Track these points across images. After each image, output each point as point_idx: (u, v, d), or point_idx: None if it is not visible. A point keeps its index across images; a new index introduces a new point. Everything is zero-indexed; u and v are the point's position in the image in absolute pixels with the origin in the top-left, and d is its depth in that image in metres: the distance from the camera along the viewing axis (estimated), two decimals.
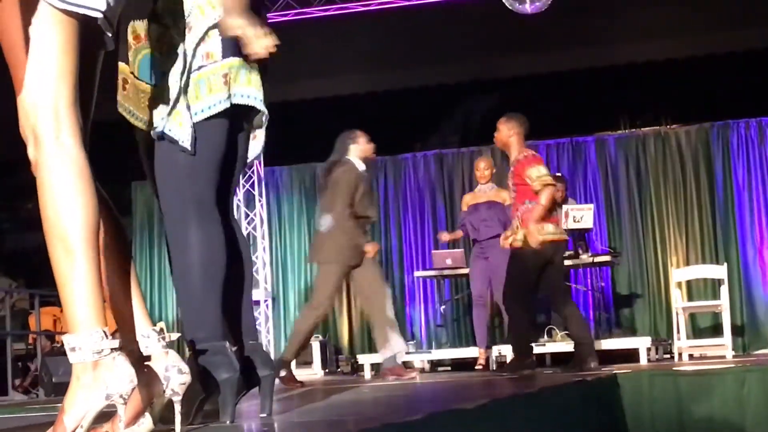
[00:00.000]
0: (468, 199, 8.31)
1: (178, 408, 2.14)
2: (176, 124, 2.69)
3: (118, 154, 2.77)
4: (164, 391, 2.11)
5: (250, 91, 2.76)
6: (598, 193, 10.29)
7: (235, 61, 2.74)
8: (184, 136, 2.68)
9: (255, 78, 2.77)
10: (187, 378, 2.16)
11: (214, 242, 2.71)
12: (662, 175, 10.16)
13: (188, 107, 2.69)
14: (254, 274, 10.59)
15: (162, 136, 2.70)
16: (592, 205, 8.93)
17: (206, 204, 2.72)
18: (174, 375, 2.14)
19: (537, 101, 10.14)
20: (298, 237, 10.95)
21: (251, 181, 10.59)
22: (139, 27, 2.72)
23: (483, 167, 8.15)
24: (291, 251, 10.95)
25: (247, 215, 10.66)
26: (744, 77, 9.72)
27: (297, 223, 10.97)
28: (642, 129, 10.35)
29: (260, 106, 2.79)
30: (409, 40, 9.66)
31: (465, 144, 10.67)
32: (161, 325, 2.21)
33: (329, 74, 10.28)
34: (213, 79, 2.71)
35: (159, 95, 2.70)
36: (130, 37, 2.73)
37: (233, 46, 2.73)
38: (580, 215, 8.46)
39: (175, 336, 2.24)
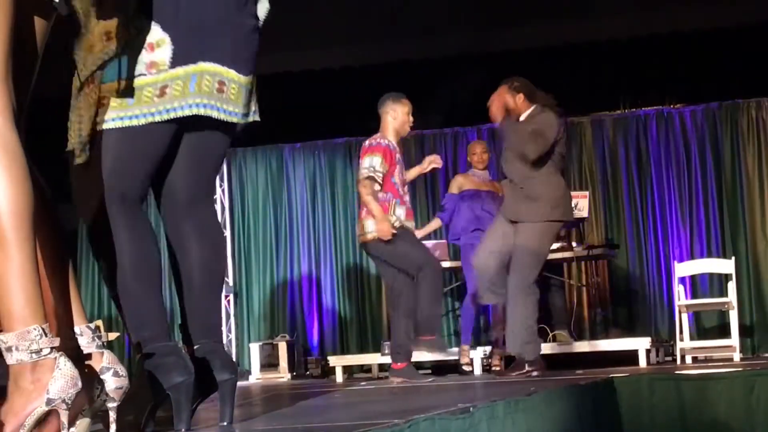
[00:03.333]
0: (462, 182, 8.32)
1: (113, 416, 2.11)
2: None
3: (59, 133, 2.75)
4: (98, 396, 2.08)
5: (196, 99, 2.76)
6: (594, 180, 10.32)
7: (182, 70, 2.75)
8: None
9: (208, 84, 2.77)
10: (123, 382, 2.14)
11: (144, 240, 2.75)
12: (665, 160, 10.19)
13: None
14: None
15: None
16: (587, 193, 8.97)
17: (129, 200, 2.75)
18: (109, 378, 2.12)
19: (528, 78, 10.12)
20: (263, 226, 10.92)
21: None
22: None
23: (480, 151, 8.27)
24: (256, 242, 10.92)
25: None
26: (756, 53, 9.74)
27: (262, 211, 10.94)
28: (643, 109, 10.37)
29: (213, 113, 2.80)
30: (388, 10, 9.62)
31: (449, 124, 10.66)
32: (97, 323, 2.19)
33: (299, 46, 10.22)
34: (146, 91, 2.72)
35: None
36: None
37: (189, 54, 2.74)
38: (575, 203, 8.49)
39: (113, 335, 2.23)
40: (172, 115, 2.73)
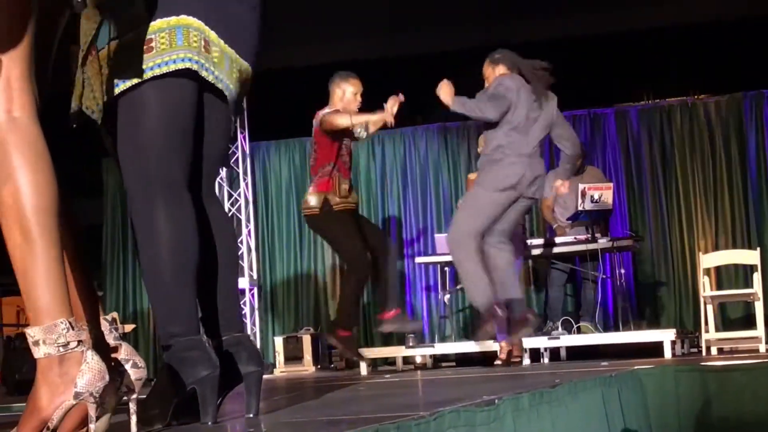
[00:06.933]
0: (473, 178, 8.29)
1: (132, 407, 2.12)
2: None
3: (86, 126, 2.75)
4: (118, 389, 2.09)
5: (188, 54, 2.66)
6: (618, 171, 10.29)
7: (164, 22, 2.64)
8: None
9: (195, 40, 2.67)
10: (142, 374, 2.14)
11: (185, 226, 2.66)
12: (689, 151, 10.15)
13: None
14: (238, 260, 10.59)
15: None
16: (611, 184, 8.92)
17: (175, 183, 2.67)
18: (128, 370, 2.13)
19: (550, 70, 10.09)
20: (287, 219, 10.95)
21: (235, 157, 10.57)
22: None
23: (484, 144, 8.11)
24: (279, 235, 10.94)
25: (230, 195, 10.65)
26: None
27: (286, 204, 10.96)
28: (667, 100, 10.34)
29: (203, 73, 2.69)
30: (410, 2, 9.62)
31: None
32: (113, 315, 2.20)
33: (321, 39, 10.24)
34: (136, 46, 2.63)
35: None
36: None
37: (166, 5, 2.64)
38: (599, 195, 8.46)
39: (129, 327, 2.23)
40: (164, 69, 2.61)
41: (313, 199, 6.88)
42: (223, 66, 2.75)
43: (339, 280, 10.73)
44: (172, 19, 2.64)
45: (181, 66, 2.63)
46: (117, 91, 2.63)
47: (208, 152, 2.85)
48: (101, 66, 2.61)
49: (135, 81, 2.63)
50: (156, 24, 2.64)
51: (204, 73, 2.69)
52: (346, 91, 7.00)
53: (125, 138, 2.69)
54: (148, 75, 2.62)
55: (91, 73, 2.60)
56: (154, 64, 2.63)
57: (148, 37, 2.62)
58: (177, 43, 2.64)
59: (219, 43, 2.73)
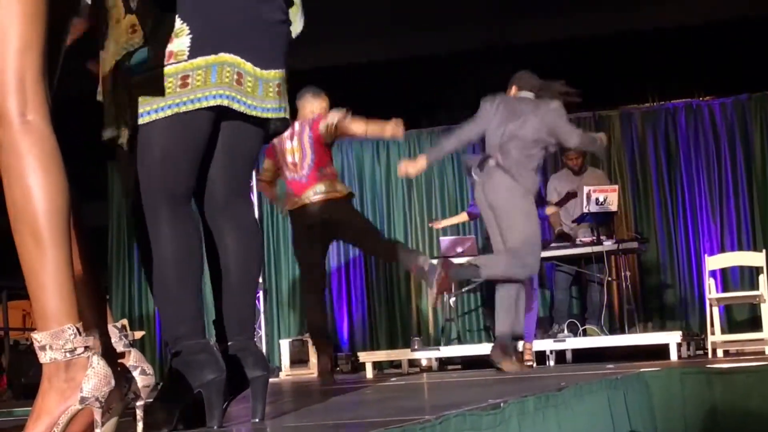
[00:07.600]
0: None
1: (139, 414, 2.13)
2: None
3: (92, 130, 2.78)
4: (125, 395, 2.09)
5: (219, 90, 2.75)
6: (623, 173, 10.28)
7: (203, 60, 2.74)
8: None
9: (228, 75, 2.77)
10: (150, 380, 2.15)
11: (188, 236, 2.74)
12: (694, 153, 10.14)
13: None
14: None
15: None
16: (616, 186, 8.92)
17: (178, 196, 2.75)
18: (136, 377, 2.13)
19: (556, 70, 10.08)
20: None
21: None
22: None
23: None
24: (285, 238, 10.94)
25: None
26: None
27: None
28: (672, 101, 10.33)
29: (234, 105, 2.79)
30: (413, 3, 9.62)
31: None
32: (123, 322, 2.20)
33: (326, 42, 10.24)
34: (168, 82, 2.72)
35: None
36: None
37: (208, 44, 2.74)
38: (604, 197, 8.46)
39: (139, 334, 2.22)
40: (197, 106, 2.72)
41: (340, 185, 6.98)
42: (257, 93, 2.85)
43: (344, 281, 10.73)
44: (210, 58, 2.75)
45: (213, 103, 2.75)
46: (149, 119, 2.73)
47: (236, 159, 2.94)
48: (130, 94, 2.69)
49: (163, 114, 2.72)
50: (195, 62, 2.73)
51: (235, 105, 2.79)
52: (319, 107, 6.97)
53: (138, 155, 2.78)
54: (182, 109, 2.72)
55: (120, 100, 2.69)
56: (188, 99, 2.72)
57: (185, 73, 2.72)
58: (211, 81, 2.74)
59: (254, 72, 2.83)
